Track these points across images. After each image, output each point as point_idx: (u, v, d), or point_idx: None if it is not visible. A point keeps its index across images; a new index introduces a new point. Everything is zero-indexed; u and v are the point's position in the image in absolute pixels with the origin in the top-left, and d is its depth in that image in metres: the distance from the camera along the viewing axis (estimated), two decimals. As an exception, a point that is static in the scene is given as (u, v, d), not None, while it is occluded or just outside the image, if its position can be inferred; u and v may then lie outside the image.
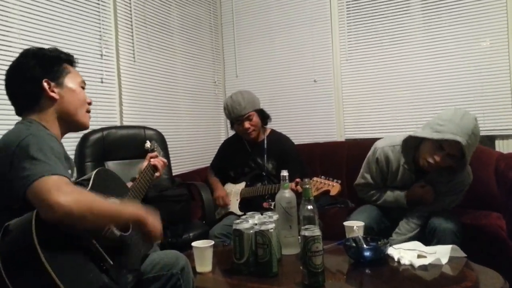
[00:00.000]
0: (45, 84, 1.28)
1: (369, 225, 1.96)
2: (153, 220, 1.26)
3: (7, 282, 0.95)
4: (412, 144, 2.02)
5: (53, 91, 1.30)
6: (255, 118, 2.48)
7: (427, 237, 1.93)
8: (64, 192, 1.02)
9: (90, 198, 1.10)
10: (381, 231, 2.01)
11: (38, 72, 1.29)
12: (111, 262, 1.13)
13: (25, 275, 0.97)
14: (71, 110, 1.34)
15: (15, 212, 1.06)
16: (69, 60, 1.40)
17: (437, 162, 1.89)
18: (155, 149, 1.75)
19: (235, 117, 2.47)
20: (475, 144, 1.89)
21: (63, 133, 1.35)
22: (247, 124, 2.45)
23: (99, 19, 2.61)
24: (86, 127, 1.42)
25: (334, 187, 2.02)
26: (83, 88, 1.41)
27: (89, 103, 1.42)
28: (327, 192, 2.03)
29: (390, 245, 1.70)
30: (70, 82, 1.35)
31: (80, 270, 1.05)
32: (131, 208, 1.23)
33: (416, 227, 2.01)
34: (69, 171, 1.25)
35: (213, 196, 2.53)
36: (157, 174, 1.68)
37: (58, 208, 0.99)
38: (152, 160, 1.68)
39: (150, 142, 1.78)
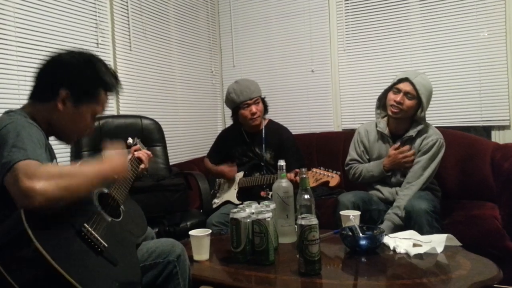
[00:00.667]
0: (62, 92, 1.23)
1: (356, 202, 2.08)
2: (124, 166, 1.27)
3: (3, 272, 0.93)
4: (382, 111, 2.29)
5: (63, 103, 1.25)
6: (261, 104, 2.49)
7: (406, 222, 1.99)
8: (34, 176, 0.98)
9: (63, 174, 1.06)
10: (366, 211, 2.07)
11: (68, 80, 1.24)
12: (106, 244, 1.13)
13: (20, 263, 0.96)
14: (64, 128, 1.30)
15: None
16: (110, 89, 1.34)
17: (397, 102, 2.13)
18: (138, 143, 1.74)
19: (243, 100, 2.42)
20: (427, 85, 2.14)
21: (46, 134, 1.28)
22: (254, 108, 2.44)
23: (95, 8, 2.58)
24: (66, 144, 1.40)
25: (333, 178, 2.03)
26: (94, 118, 1.35)
27: (88, 132, 1.37)
28: (326, 183, 2.04)
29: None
30: (86, 108, 1.29)
31: (76, 252, 1.05)
32: (107, 169, 1.21)
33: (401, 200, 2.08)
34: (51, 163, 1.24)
35: (221, 173, 2.54)
36: (142, 166, 1.65)
37: (32, 194, 0.96)
38: (136, 152, 1.65)
39: (132, 138, 1.77)
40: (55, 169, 1.11)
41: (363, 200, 2.13)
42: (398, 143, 2.20)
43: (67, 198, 1.04)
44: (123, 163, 1.25)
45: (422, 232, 1.86)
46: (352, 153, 2.38)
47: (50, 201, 0.99)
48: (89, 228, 1.12)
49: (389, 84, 2.24)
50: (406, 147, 2.18)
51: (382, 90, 2.29)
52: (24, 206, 0.97)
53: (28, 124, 1.16)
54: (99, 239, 1.13)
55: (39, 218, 0.99)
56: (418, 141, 2.18)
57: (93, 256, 1.09)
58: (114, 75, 1.35)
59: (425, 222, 1.90)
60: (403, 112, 2.15)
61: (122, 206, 1.39)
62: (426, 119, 2.22)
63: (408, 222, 1.97)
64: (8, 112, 1.23)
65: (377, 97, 2.34)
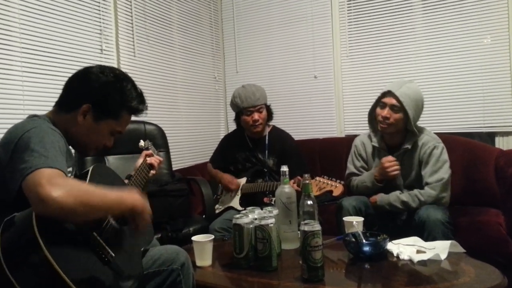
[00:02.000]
0: (84, 106, 1.25)
1: (357, 206, 2.06)
2: (146, 209, 1.22)
3: (10, 277, 0.93)
4: (376, 125, 2.21)
5: (83, 116, 1.26)
6: (264, 112, 2.48)
7: (418, 231, 1.93)
8: (56, 185, 0.99)
9: (84, 189, 1.07)
10: (368, 215, 2.04)
11: (93, 96, 1.26)
12: (113, 254, 1.13)
13: (28, 269, 0.96)
14: (79, 140, 1.32)
15: (9, 206, 1.05)
16: (134, 113, 1.36)
17: (384, 117, 2.11)
18: (150, 147, 1.74)
19: (246, 107, 2.43)
20: (412, 95, 2.08)
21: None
22: (256, 116, 2.44)
23: (99, 14, 2.60)
24: (82, 156, 1.41)
25: (337, 188, 2.01)
26: (113, 134, 1.36)
27: (105, 147, 1.38)
28: (329, 192, 2.03)
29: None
30: (104, 125, 1.31)
31: (83, 261, 1.05)
32: (128, 199, 1.16)
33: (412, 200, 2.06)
34: (70, 169, 1.25)
35: (223, 182, 2.52)
36: (152, 171, 1.67)
37: (49, 201, 0.96)
38: (148, 158, 1.66)
39: (144, 141, 1.77)
40: (77, 183, 1.11)
41: (365, 205, 2.11)
42: (388, 157, 2.13)
43: (81, 214, 1.03)
44: (144, 203, 1.20)
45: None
46: (350, 167, 2.35)
47: (64, 211, 0.98)
48: (97, 237, 1.12)
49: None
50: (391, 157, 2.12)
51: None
52: (38, 211, 0.98)
53: (51, 130, 1.17)
54: (107, 248, 1.13)
55: (49, 223, 1.00)
56: (417, 152, 2.13)
57: (99, 266, 1.09)
58: (141, 99, 1.37)
59: (441, 233, 1.84)
60: (392, 126, 2.11)
61: None
62: (428, 126, 2.20)
63: (421, 231, 1.89)
64: (32, 117, 1.24)
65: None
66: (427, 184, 2.07)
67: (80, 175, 1.32)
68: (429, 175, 2.07)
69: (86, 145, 1.33)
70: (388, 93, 2.11)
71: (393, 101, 2.08)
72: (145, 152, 1.69)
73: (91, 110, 1.26)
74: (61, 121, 1.26)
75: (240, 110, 2.47)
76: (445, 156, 2.11)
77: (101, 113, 1.28)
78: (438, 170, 2.07)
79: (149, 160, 1.65)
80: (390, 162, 2.10)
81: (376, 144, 2.23)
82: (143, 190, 1.55)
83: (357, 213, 2.01)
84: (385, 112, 2.10)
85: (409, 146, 2.13)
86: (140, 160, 1.66)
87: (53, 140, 1.13)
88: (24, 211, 1.02)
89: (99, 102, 1.27)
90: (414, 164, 2.14)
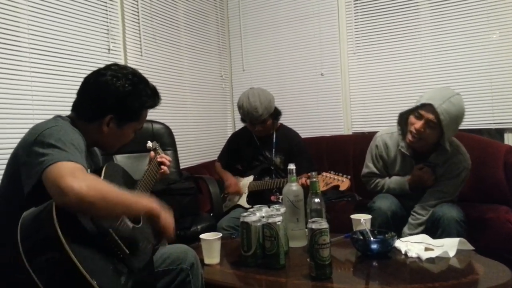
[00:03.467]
0: (106, 118, 1.29)
1: (395, 209, 2.00)
2: (166, 216, 1.25)
3: (32, 274, 0.94)
4: (405, 127, 2.06)
5: (108, 126, 1.31)
6: (269, 122, 2.48)
7: (432, 228, 1.93)
8: (77, 177, 1.01)
9: (104, 186, 1.09)
10: (403, 219, 2.02)
11: (114, 107, 1.29)
12: (127, 251, 1.15)
13: (49, 266, 0.97)
14: (107, 145, 1.39)
15: (25, 198, 1.06)
16: (151, 107, 1.41)
17: (417, 130, 1.93)
18: (157, 148, 1.73)
19: (249, 120, 2.46)
20: (454, 113, 1.87)
21: (89, 145, 1.34)
22: (259, 127, 2.46)
23: (107, 14, 2.62)
24: (108, 154, 1.44)
25: (344, 182, 2.02)
26: (135, 132, 1.42)
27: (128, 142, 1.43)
28: (336, 187, 2.03)
29: (404, 235, 1.71)
30: (129, 128, 1.37)
31: (101, 258, 1.07)
32: (145, 201, 1.21)
33: (426, 214, 1.99)
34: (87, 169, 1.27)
35: (224, 184, 2.54)
36: (163, 169, 1.64)
37: (70, 192, 0.98)
38: (158, 156, 1.64)
39: (152, 142, 1.75)
40: (97, 179, 1.14)
41: (400, 207, 2.05)
42: (421, 166, 2.05)
43: (100, 208, 1.04)
44: (160, 208, 1.24)
45: None
46: (370, 166, 2.22)
47: (84, 204, 0.99)
48: (113, 234, 1.13)
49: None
50: (428, 169, 2.04)
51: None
52: (58, 202, 1.00)
53: (71, 129, 1.21)
54: (122, 245, 1.14)
55: (68, 218, 1.01)
56: (445, 166, 2.02)
57: (114, 262, 1.11)
58: (155, 94, 1.41)
59: (455, 231, 1.82)
60: (422, 141, 1.97)
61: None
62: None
63: (434, 230, 1.88)
64: (56, 117, 1.27)
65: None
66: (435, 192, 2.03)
67: (94, 172, 1.34)
68: (445, 190, 2.02)
69: (113, 146, 1.40)
70: (428, 106, 1.89)
71: (431, 117, 1.89)
72: (152, 154, 1.66)
73: (114, 120, 1.31)
74: (83, 129, 1.28)
75: (244, 120, 2.52)
76: (465, 178, 2.05)
77: (123, 120, 1.33)
78: (448, 192, 2.02)
79: (159, 158, 1.64)
80: (428, 173, 2.03)
81: (404, 150, 2.07)
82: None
83: (393, 218, 1.97)
84: (420, 125, 1.92)
85: (439, 163, 2.02)
86: (149, 159, 1.65)
87: (73, 138, 1.15)
88: (42, 205, 1.03)
89: (120, 111, 1.31)
90: (437, 174, 2.05)
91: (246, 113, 2.41)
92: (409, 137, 1.99)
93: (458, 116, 1.91)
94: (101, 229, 1.11)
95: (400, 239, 1.70)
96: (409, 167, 2.10)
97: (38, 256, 0.97)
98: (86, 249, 1.03)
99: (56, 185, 0.99)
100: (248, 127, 2.55)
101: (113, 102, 1.29)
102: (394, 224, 1.97)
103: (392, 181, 2.15)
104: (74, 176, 1.01)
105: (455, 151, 2.02)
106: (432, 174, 2.04)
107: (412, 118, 1.98)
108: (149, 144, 1.72)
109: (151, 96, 1.38)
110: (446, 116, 1.86)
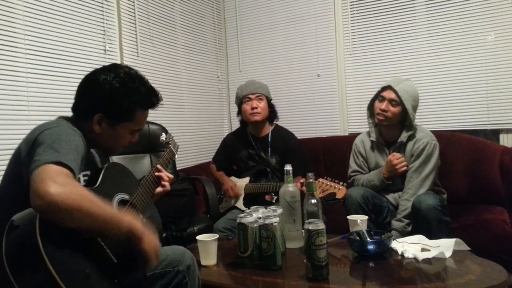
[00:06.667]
0: (96, 117, 1.27)
1: (365, 195, 2.10)
2: (150, 239, 1.14)
3: (11, 279, 0.93)
4: (374, 119, 2.28)
5: (99, 125, 1.28)
6: (264, 104, 2.50)
7: (415, 219, 2.01)
8: (57, 182, 0.96)
9: (83, 196, 1.01)
10: (376, 206, 2.13)
11: (102, 105, 1.26)
12: (115, 260, 1.12)
13: (27, 272, 0.95)
14: (104, 146, 1.36)
15: (21, 201, 1.05)
16: (147, 108, 1.37)
17: (382, 110, 2.18)
18: (170, 141, 1.66)
19: (246, 94, 2.47)
20: (410, 91, 2.17)
21: (89, 146, 1.32)
22: (255, 103, 2.47)
23: (103, 15, 2.61)
24: (109, 156, 1.42)
25: (340, 190, 2.01)
26: (133, 133, 1.38)
27: (132, 143, 1.39)
28: (332, 194, 2.03)
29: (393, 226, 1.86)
30: (123, 128, 1.33)
31: (83, 269, 1.04)
32: (128, 218, 1.11)
33: (410, 197, 2.09)
34: (88, 172, 1.27)
35: (222, 188, 2.53)
36: (159, 189, 1.55)
37: (44, 197, 0.93)
38: (157, 173, 1.54)
39: (166, 134, 1.67)
40: (80, 187, 1.05)
41: (372, 194, 2.15)
42: (391, 151, 2.23)
43: (76, 219, 0.98)
44: (143, 229, 1.13)
45: (431, 227, 1.90)
46: (352, 165, 2.41)
47: (59, 210, 0.95)
48: (102, 244, 1.10)
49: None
50: (397, 154, 2.20)
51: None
52: (33, 206, 0.96)
53: (72, 130, 1.19)
54: (110, 255, 1.11)
55: (53, 225, 0.98)
56: (410, 145, 2.20)
57: (100, 272, 1.07)
58: (152, 93, 1.36)
59: (434, 217, 1.93)
60: (389, 119, 2.19)
61: (141, 215, 1.35)
62: (432, 123, 2.23)
63: (416, 218, 1.99)
64: (59, 118, 1.27)
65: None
66: (410, 178, 2.15)
67: (95, 172, 1.33)
68: (412, 171, 2.15)
69: (111, 147, 1.37)
70: (387, 88, 2.20)
71: (392, 96, 2.17)
72: (158, 174, 1.56)
73: (104, 119, 1.28)
74: (81, 128, 1.27)
75: (241, 100, 2.52)
76: (436, 155, 2.17)
77: (114, 119, 1.30)
78: (422, 170, 2.13)
79: (157, 173, 1.53)
80: (397, 159, 2.16)
81: (374, 139, 2.29)
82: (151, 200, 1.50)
83: (364, 202, 2.07)
84: (384, 105, 2.18)
85: (403, 140, 2.20)
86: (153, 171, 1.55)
87: (71, 139, 1.14)
88: (27, 209, 1.01)
89: (109, 110, 1.28)
90: (407, 157, 2.20)
91: (244, 86, 2.50)
92: (377, 118, 2.22)
93: (414, 95, 2.19)
94: (90, 238, 1.07)
95: (397, 239, 1.71)
96: (385, 158, 2.25)
97: (20, 264, 0.96)
98: (68, 257, 1.00)
99: (35, 188, 0.96)
100: (243, 111, 2.52)
101: (100, 100, 1.27)
102: (368, 210, 2.08)
103: (371, 174, 2.29)
104: (54, 181, 0.96)
105: (417, 131, 2.22)
106: (402, 160, 2.16)
107: (376, 103, 2.25)
108: (163, 137, 1.64)
109: (146, 94, 1.34)
110: (404, 93, 2.15)
